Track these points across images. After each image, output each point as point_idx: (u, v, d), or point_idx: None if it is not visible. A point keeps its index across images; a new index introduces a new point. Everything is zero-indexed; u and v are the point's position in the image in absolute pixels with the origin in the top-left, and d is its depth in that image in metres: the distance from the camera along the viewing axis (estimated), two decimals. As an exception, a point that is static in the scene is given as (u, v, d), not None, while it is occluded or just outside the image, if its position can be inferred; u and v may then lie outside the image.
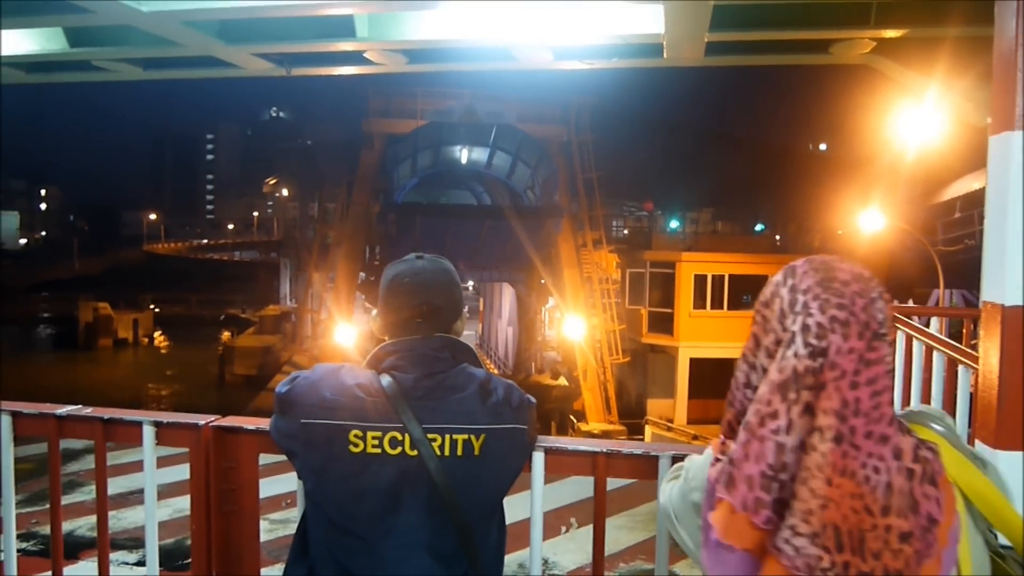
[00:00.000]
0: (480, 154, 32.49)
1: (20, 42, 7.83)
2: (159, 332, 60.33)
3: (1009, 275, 1.73)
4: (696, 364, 24.53)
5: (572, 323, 26.85)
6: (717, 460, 1.28)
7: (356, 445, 1.77)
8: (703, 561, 1.27)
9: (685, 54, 7.20)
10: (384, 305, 1.92)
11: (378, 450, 1.76)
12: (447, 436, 1.78)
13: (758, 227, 44.52)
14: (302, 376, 1.89)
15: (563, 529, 6.35)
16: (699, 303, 25.95)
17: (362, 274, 30.91)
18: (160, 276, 69.95)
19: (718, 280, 25.90)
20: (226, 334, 48.56)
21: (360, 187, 28.87)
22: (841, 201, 29.29)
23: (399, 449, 1.76)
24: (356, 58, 8.04)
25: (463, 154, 32.43)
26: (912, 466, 1.16)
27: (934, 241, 14.74)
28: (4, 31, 7.48)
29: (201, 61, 8.39)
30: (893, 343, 1.23)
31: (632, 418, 25.85)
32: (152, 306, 64.26)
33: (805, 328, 1.17)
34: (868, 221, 12.75)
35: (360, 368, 1.89)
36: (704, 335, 24.88)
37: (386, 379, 1.82)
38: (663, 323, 26.61)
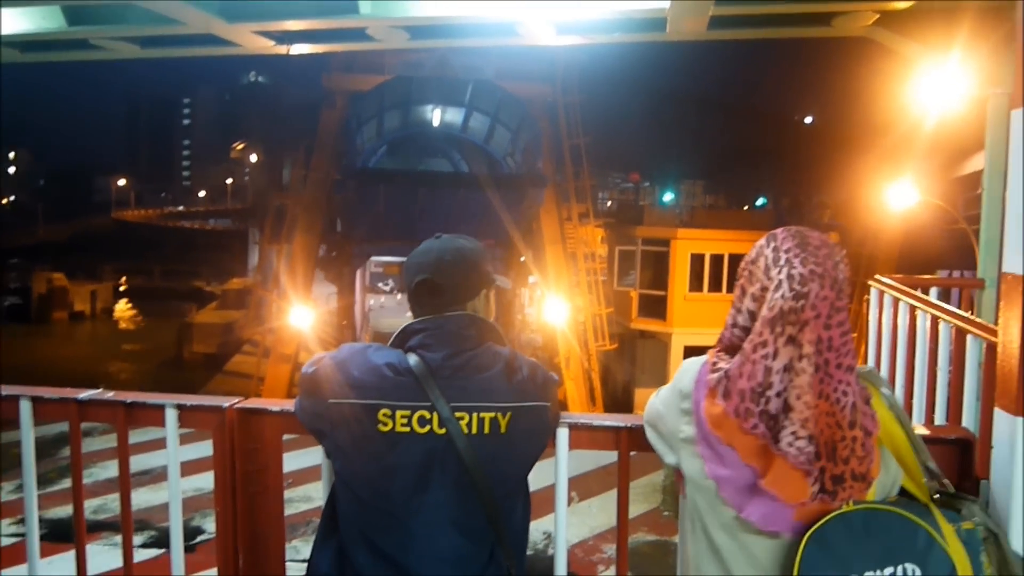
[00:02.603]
0: (455, 115, 27.94)
1: (17, 21, 7.75)
2: (127, 304, 57.30)
3: None
4: (691, 353, 20.90)
5: (554, 306, 23.75)
6: (714, 366, 1.58)
7: (385, 424, 1.79)
8: (695, 435, 1.59)
9: (688, 28, 7.24)
10: (406, 286, 1.95)
11: (407, 429, 1.79)
12: (474, 414, 1.81)
13: (760, 201, 41.93)
14: (328, 356, 1.91)
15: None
16: (695, 285, 23.82)
17: (323, 247, 27.71)
18: (128, 244, 66.40)
19: (716, 260, 23.55)
20: (192, 308, 45.52)
21: (320, 151, 25.00)
22: (852, 175, 28.08)
23: (427, 428, 1.79)
24: (358, 35, 8.02)
25: (435, 115, 27.80)
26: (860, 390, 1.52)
27: (955, 218, 14.10)
28: (2, 9, 7.45)
29: (200, 39, 8.31)
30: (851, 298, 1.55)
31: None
32: (121, 277, 61.34)
33: (790, 276, 1.48)
34: (898, 196, 11.69)
35: (387, 347, 1.90)
36: (700, 320, 22.48)
37: (413, 358, 1.83)
38: (655, 306, 24.48)
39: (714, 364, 1.59)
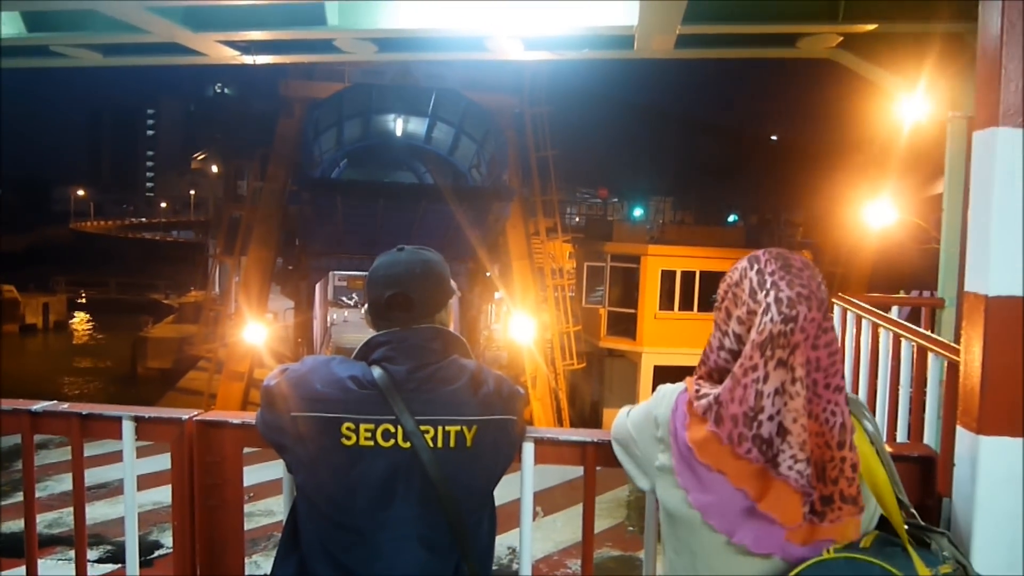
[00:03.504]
0: (418, 125, 27.26)
1: (-27, 26, 7.58)
2: (83, 317, 55.67)
3: (993, 266, 1.86)
4: (661, 373, 19.92)
5: (521, 323, 22.94)
6: (697, 395, 1.56)
7: (349, 438, 1.77)
8: (674, 466, 1.57)
9: (656, 46, 7.29)
10: (367, 299, 1.93)
11: (371, 443, 1.77)
12: (439, 428, 1.79)
13: (731, 218, 41.11)
14: (291, 368, 1.89)
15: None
16: (666, 303, 23.06)
17: (280, 261, 26.47)
18: (85, 256, 65.06)
19: (688, 277, 22.87)
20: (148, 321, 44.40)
21: (276, 161, 23.80)
22: (823, 193, 27.98)
23: (392, 441, 1.77)
24: (325, 46, 7.95)
25: (398, 125, 27.08)
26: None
27: (929, 237, 13.71)
28: (-42, 15, 7.27)
29: (164, 48, 8.16)
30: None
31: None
32: (76, 289, 59.33)
33: (778, 300, 1.47)
34: (876, 214, 11.60)
35: (350, 360, 1.88)
36: (671, 340, 21.85)
37: (377, 371, 1.81)
38: (624, 325, 23.62)
39: (697, 391, 1.58)
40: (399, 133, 27.45)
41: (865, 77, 7.46)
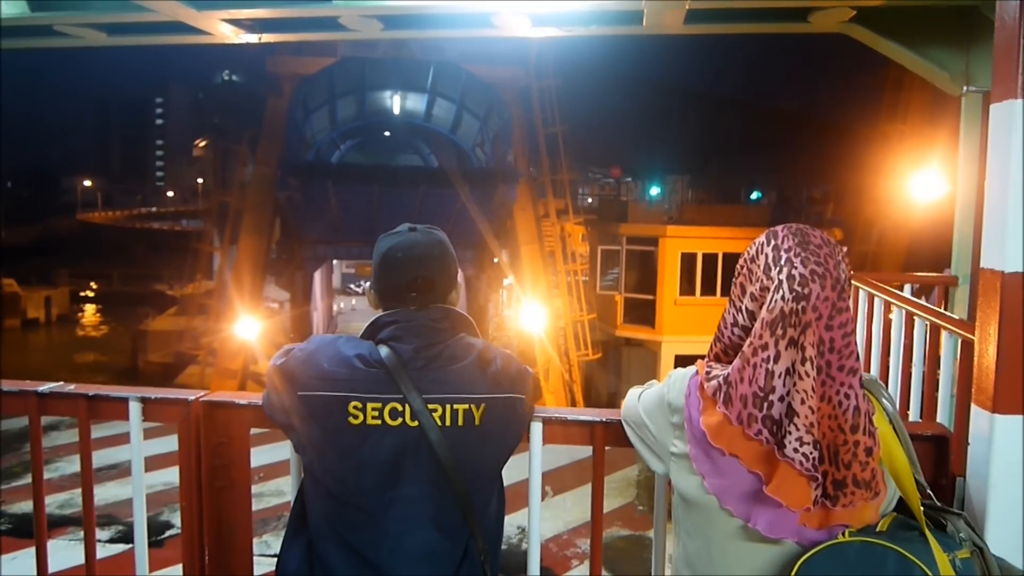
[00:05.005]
0: (416, 102, 25.87)
1: (-24, 7, 7.55)
2: (86, 310, 55.14)
3: (1010, 242, 1.81)
4: (683, 363, 19.73)
5: (531, 312, 21.79)
6: (707, 376, 1.54)
7: (356, 417, 1.76)
8: (690, 452, 1.55)
9: (665, 22, 7.21)
10: (378, 279, 1.90)
11: (378, 422, 1.76)
12: (448, 406, 1.78)
13: (754, 195, 39.75)
14: (297, 348, 1.88)
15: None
16: (687, 288, 21.57)
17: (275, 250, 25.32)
18: (92, 247, 64.40)
19: (709, 259, 21.34)
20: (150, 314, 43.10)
21: (266, 143, 22.36)
22: (853, 167, 26.84)
23: (399, 420, 1.76)
24: (330, 23, 7.87)
25: (395, 102, 25.58)
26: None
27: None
28: (-39, -5, 7.23)
29: (168, 27, 8.08)
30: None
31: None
32: (78, 282, 58.76)
33: (791, 277, 1.44)
34: (924, 187, 10.84)
35: (357, 338, 1.87)
36: (692, 327, 20.27)
37: (384, 350, 1.80)
38: (642, 312, 22.20)
39: (708, 373, 1.56)
40: (397, 111, 26.14)
41: (877, 51, 7.34)
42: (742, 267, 1.58)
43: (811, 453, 1.41)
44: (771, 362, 1.43)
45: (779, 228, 1.55)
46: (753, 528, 1.48)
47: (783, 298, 1.43)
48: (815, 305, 1.42)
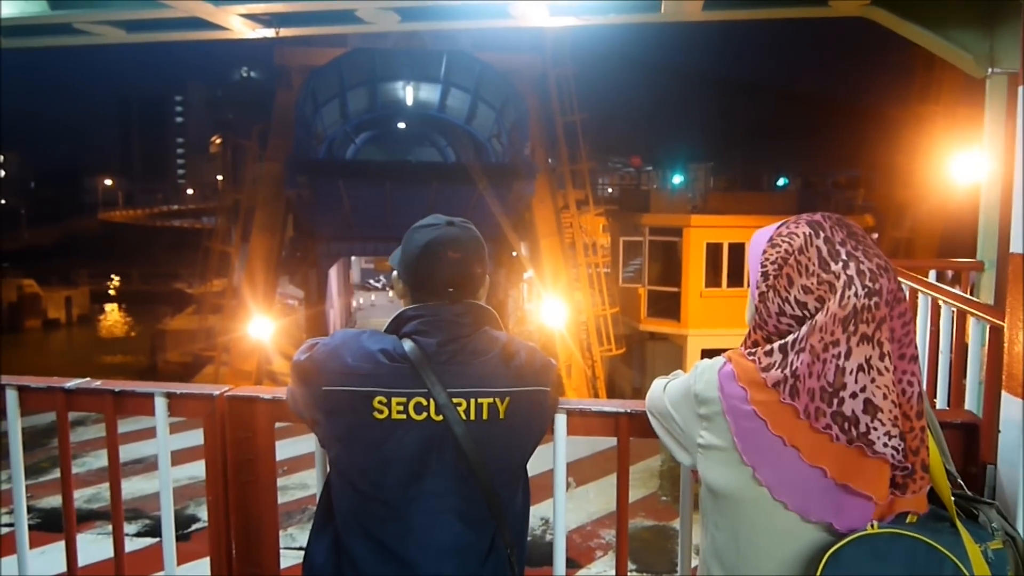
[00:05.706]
0: (430, 92, 24.84)
1: (-1, 6, 7.76)
2: (113, 308, 55.14)
3: None
4: (710, 357, 19.51)
5: (552, 307, 21.09)
6: (760, 367, 1.51)
7: (381, 412, 1.76)
8: (736, 444, 1.51)
9: (684, 8, 7.20)
10: (413, 272, 1.87)
11: (403, 416, 1.76)
12: (472, 400, 1.77)
13: (780, 181, 38.03)
14: (321, 343, 1.87)
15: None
16: (712, 279, 20.87)
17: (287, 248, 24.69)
18: (114, 246, 64.58)
19: (736, 249, 20.21)
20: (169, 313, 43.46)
21: (276, 138, 21.69)
22: (882, 152, 26.40)
23: (424, 415, 1.76)
24: (347, 17, 7.92)
25: (407, 93, 24.59)
26: None
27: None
28: (-19, -5, 7.41)
29: (186, 23, 8.16)
30: None
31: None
32: (99, 281, 58.80)
33: (860, 272, 1.44)
34: (967, 169, 10.34)
35: (381, 333, 1.86)
36: (719, 320, 19.37)
37: (408, 344, 1.80)
38: (666, 304, 21.49)
39: (756, 361, 1.53)
40: (410, 102, 25.22)
41: (899, 34, 7.27)
42: (786, 258, 1.53)
43: (900, 446, 1.41)
44: (842, 358, 1.42)
45: (819, 219, 1.53)
46: (818, 522, 1.47)
47: (856, 294, 1.42)
48: (887, 299, 1.43)
